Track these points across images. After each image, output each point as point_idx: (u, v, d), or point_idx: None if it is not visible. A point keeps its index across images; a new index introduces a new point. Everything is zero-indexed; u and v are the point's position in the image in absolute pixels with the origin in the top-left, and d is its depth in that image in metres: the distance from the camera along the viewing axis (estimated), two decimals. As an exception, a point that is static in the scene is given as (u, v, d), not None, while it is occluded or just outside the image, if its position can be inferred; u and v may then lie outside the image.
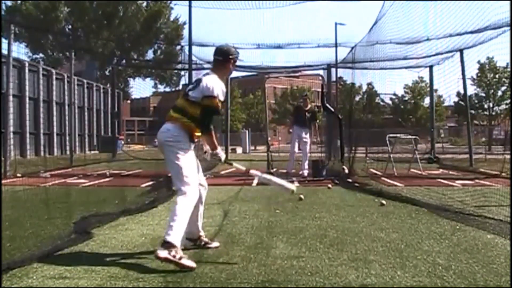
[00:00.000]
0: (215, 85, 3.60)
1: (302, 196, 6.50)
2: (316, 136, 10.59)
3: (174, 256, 3.17)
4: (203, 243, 3.79)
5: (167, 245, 3.22)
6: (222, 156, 3.79)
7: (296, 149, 9.68)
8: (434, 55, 14.15)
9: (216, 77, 3.69)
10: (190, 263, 3.22)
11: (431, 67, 15.62)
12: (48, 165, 12.61)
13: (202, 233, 3.82)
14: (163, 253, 3.19)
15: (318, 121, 10.50)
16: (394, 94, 42.04)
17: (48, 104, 19.65)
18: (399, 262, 3.32)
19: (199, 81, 3.69)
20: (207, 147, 3.82)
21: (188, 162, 3.55)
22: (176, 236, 3.29)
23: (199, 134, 3.69)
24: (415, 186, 7.83)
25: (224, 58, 3.76)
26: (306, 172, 9.63)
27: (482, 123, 36.88)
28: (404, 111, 42.24)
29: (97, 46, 34.49)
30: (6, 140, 10.01)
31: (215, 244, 3.83)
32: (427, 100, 35.15)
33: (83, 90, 23.17)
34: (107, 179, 9.65)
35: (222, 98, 3.65)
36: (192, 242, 3.76)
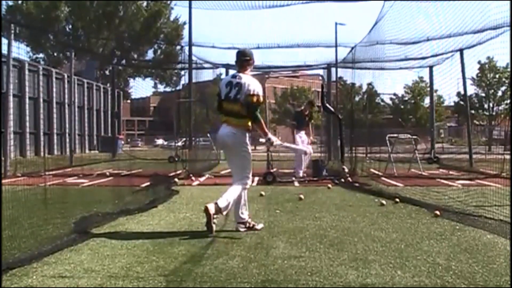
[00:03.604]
0: (256, 84, 4.35)
1: (302, 196, 6.50)
2: (310, 136, 10.65)
3: (214, 217, 4.13)
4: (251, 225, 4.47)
5: (217, 208, 4.14)
6: (275, 140, 4.70)
7: (304, 147, 9.72)
8: (434, 55, 14.16)
9: (251, 76, 4.47)
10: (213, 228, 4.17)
11: (431, 67, 15.62)
12: (48, 164, 12.61)
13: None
14: (212, 209, 4.11)
15: (312, 121, 10.64)
16: (394, 94, 42.06)
17: (48, 104, 19.64)
18: (399, 262, 3.32)
19: (239, 84, 4.32)
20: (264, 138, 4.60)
21: (251, 158, 4.50)
22: (226, 205, 4.20)
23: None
24: (415, 186, 7.83)
25: (251, 58, 4.51)
26: (301, 172, 9.70)
27: (482, 123, 36.87)
28: (404, 111, 42.22)
29: (97, 46, 34.50)
30: (6, 140, 10.01)
31: (260, 225, 4.52)
32: (427, 100, 35.10)
33: (83, 90, 23.17)
34: (107, 179, 9.65)
35: (261, 93, 4.40)
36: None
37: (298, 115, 10.44)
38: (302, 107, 10.76)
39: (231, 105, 4.34)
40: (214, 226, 4.15)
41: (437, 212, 5.20)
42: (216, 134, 4.57)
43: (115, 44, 36.78)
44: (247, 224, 4.39)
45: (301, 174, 9.44)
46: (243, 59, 4.47)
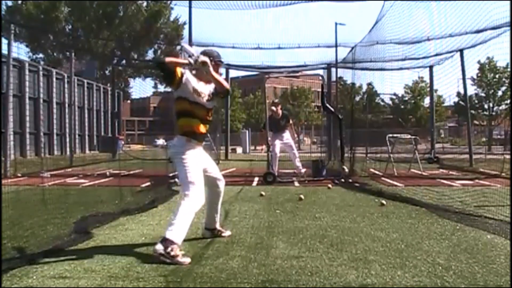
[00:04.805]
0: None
1: (302, 196, 6.50)
2: (294, 135, 10.46)
3: (168, 253, 3.30)
4: (218, 232, 4.13)
5: (166, 242, 3.36)
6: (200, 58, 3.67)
7: (278, 151, 9.72)
8: (434, 55, 14.17)
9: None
10: (184, 260, 3.34)
11: (431, 67, 15.63)
12: (48, 165, 12.61)
13: (217, 225, 4.16)
14: (159, 248, 3.33)
15: (291, 121, 10.30)
16: (394, 94, 42.06)
17: (48, 104, 19.63)
18: (399, 262, 3.32)
19: None
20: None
21: (192, 166, 3.67)
22: (176, 234, 3.42)
23: (199, 128, 3.78)
24: (415, 186, 7.83)
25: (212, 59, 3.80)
26: (302, 170, 9.67)
27: (482, 123, 36.89)
28: (404, 111, 42.23)
29: (97, 46, 34.48)
30: (6, 140, 10.00)
31: (228, 232, 4.18)
32: (427, 100, 35.13)
33: (83, 90, 23.14)
34: (107, 179, 9.65)
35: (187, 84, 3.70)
36: (210, 232, 4.11)
37: (270, 120, 9.88)
38: (271, 113, 10.07)
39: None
40: (184, 259, 3.34)
41: (383, 202, 5.93)
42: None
43: (115, 44, 36.77)
44: (216, 232, 4.10)
45: (276, 174, 9.20)
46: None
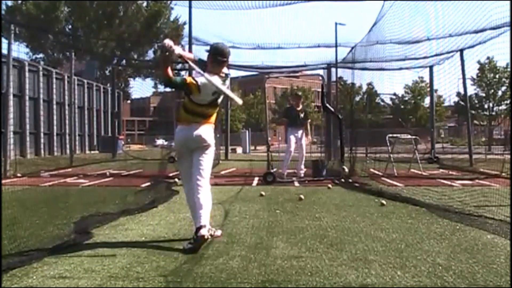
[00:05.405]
0: None
1: (302, 196, 6.50)
2: (308, 136, 10.28)
3: (211, 235, 3.89)
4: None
5: (207, 228, 3.78)
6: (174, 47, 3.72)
7: (293, 149, 9.62)
8: (434, 55, 14.18)
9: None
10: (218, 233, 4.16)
11: (431, 67, 15.63)
12: (48, 165, 12.62)
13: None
14: (206, 233, 3.70)
15: (309, 120, 10.19)
16: (394, 94, 42.12)
17: (48, 104, 19.64)
18: (399, 262, 3.32)
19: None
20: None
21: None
22: (208, 219, 3.90)
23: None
24: (415, 186, 7.83)
25: (228, 59, 4.00)
26: (302, 173, 9.61)
27: (482, 123, 36.92)
28: (404, 111, 42.29)
29: (97, 46, 34.49)
30: (6, 140, 10.01)
31: (219, 231, 4.32)
32: (427, 100, 35.18)
33: (83, 90, 23.15)
34: (107, 179, 9.65)
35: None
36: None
37: (289, 111, 10.04)
38: (293, 102, 10.26)
39: (208, 109, 3.97)
40: (217, 232, 4.21)
41: (383, 202, 5.93)
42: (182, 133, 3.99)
43: (115, 44, 36.79)
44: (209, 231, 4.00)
45: (285, 174, 9.22)
46: (222, 60, 3.93)
